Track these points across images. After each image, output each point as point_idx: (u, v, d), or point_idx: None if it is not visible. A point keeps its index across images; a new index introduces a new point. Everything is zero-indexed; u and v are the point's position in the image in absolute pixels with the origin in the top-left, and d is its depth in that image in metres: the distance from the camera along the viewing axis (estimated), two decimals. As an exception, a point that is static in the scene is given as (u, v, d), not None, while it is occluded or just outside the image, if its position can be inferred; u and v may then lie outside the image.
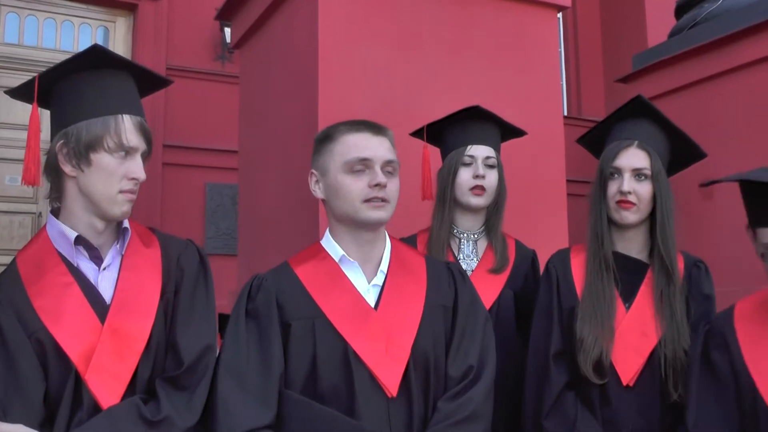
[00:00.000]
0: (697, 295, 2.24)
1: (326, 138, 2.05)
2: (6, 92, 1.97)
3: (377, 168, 1.96)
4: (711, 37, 5.72)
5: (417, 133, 2.70)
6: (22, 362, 1.75)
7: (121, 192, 1.86)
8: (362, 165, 1.96)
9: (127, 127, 1.85)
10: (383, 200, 1.95)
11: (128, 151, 1.85)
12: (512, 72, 3.71)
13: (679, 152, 2.36)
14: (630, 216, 2.22)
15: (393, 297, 1.98)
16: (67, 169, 1.86)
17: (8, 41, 7.49)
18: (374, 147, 1.98)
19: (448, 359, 1.97)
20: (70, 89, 1.87)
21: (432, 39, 3.57)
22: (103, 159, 1.83)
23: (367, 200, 1.95)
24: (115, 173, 1.84)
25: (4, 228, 7.19)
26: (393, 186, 1.99)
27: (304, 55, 3.51)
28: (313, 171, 2.07)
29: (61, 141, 1.85)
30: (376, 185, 1.94)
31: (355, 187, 1.96)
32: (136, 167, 1.86)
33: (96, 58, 1.86)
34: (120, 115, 1.85)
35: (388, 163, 1.98)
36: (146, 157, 1.93)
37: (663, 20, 7.68)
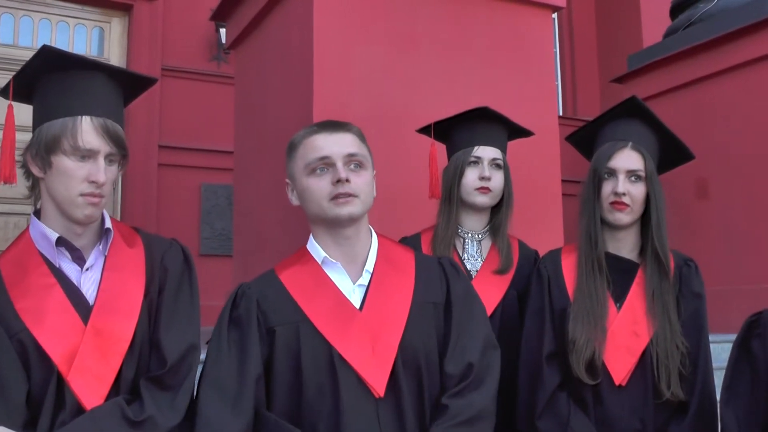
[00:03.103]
0: (688, 294, 2.24)
1: (291, 146, 2.06)
2: None
3: (339, 164, 1.94)
4: (706, 37, 5.74)
5: (424, 131, 2.70)
6: (4, 364, 1.74)
7: (81, 195, 1.82)
8: (323, 164, 1.96)
9: (85, 128, 1.81)
10: (349, 195, 1.93)
11: (87, 154, 1.81)
12: (507, 72, 3.71)
13: (668, 153, 2.36)
14: (624, 217, 2.22)
15: (378, 296, 1.96)
16: (35, 170, 1.85)
17: (3, 42, 7.48)
18: (332, 144, 1.96)
19: (446, 356, 1.94)
20: (39, 90, 1.86)
21: (427, 39, 3.57)
22: (61, 161, 1.81)
23: (333, 198, 1.93)
24: (74, 176, 1.81)
25: (-1, 229, 7.18)
26: (360, 179, 1.96)
27: (299, 55, 3.51)
28: (287, 180, 2.09)
29: (29, 142, 1.84)
30: (338, 181, 1.92)
31: (319, 186, 1.95)
32: (97, 170, 1.81)
33: (48, 58, 1.83)
34: (79, 117, 1.81)
35: (351, 156, 1.97)
36: (119, 158, 1.89)
37: (658, 20, 7.69)
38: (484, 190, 2.52)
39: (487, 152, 2.55)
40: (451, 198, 2.56)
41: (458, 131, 2.62)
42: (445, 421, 1.85)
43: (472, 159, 2.54)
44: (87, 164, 1.82)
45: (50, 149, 1.80)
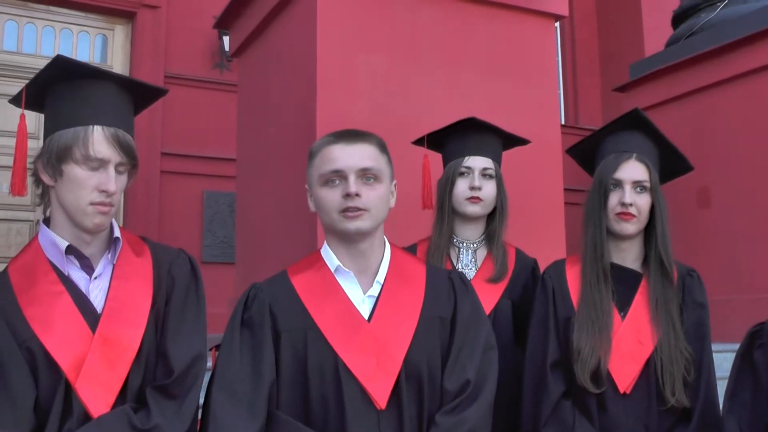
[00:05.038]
0: (690, 303, 2.26)
1: (310, 153, 2.06)
2: (9, 101, 1.97)
3: (351, 178, 1.93)
4: (708, 47, 5.74)
5: (418, 142, 2.71)
6: (13, 371, 1.75)
7: (91, 204, 1.82)
8: (336, 176, 1.95)
9: (96, 138, 1.81)
10: (359, 210, 1.93)
11: (98, 163, 1.82)
12: (510, 81, 3.72)
13: (668, 164, 2.38)
14: (630, 227, 2.24)
15: (387, 308, 1.96)
16: (45, 178, 1.86)
17: (7, 49, 7.49)
18: (347, 157, 1.95)
19: (445, 372, 1.95)
20: (51, 99, 1.87)
21: (430, 48, 3.59)
22: (72, 170, 1.82)
23: (342, 211, 1.93)
24: (85, 185, 1.82)
25: (1, 236, 7.18)
26: (373, 193, 1.96)
27: (302, 63, 3.52)
28: (307, 186, 2.09)
29: (41, 151, 1.86)
30: (347, 195, 1.92)
31: (331, 199, 1.95)
32: (107, 179, 1.82)
33: (61, 67, 1.84)
34: (90, 126, 1.82)
35: (365, 170, 1.96)
36: (129, 168, 1.90)
37: (660, 29, 7.70)
38: (475, 199, 2.53)
39: (477, 162, 2.56)
40: (443, 208, 2.58)
41: (450, 142, 2.65)
42: None
43: (463, 169, 2.55)
44: (98, 173, 1.82)
45: (61, 158, 1.81)
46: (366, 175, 1.96)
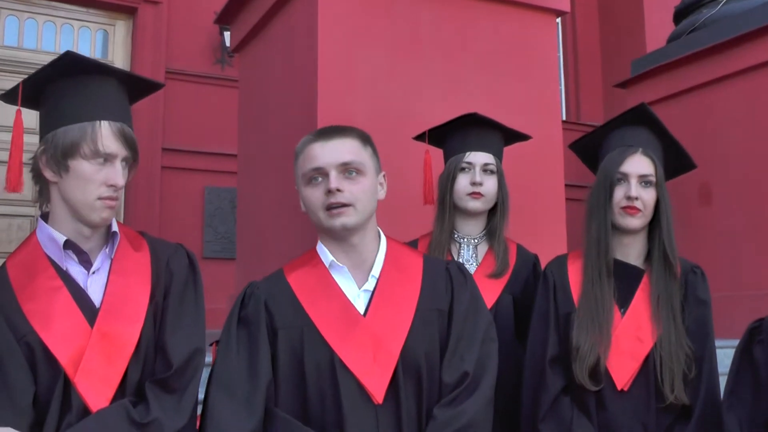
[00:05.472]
0: (693, 300, 2.25)
1: (295, 154, 2.07)
2: (1, 96, 1.97)
3: (332, 174, 1.94)
4: (710, 43, 5.74)
5: (419, 138, 2.71)
6: (12, 366, 1.76)
7: (99, 198, 1.84)
8: (317, 174, 1.96)
9: (104, 133, 1.83)
10: (343, 205, 1.93)
11: (106, 158, 1.84)
12: (511, 77, 3.71)
13: (671, 162, 2.37)
14: (635, 221, 2.23)
15: (383, 302, 1.96)
16: (48, 174, 1.86)
17: (8, 44, 7.49)
18: (325, 154, 1.96)
19: (443, 364, 1.94)
20: (51, 95, 1.87)
21: (431, 45, 3.58)
22: (80, 165, 1.83)
23: (327, 208, 1.94)
24: (93, 180, 1.83)
25: (2, 231, 7.18)
26: (356, 187, 1.96)
27: (303, 58, 3.52)
28: (296, 188, 2.09)
29: (42, 147, 1.86)
30: (329, 192, 1.93)
31: (316, 197, 1.96)
32: (115, 173, 1.84)
33: (70, 64, 1.85)
34: (97, 122, 1.83)
35: (346, 165, 1.96)
36: (132, 163, 1.92)
37: (662, 25, 7.69)
38: (476, 195, 2.53)
39: (478, 158, 2.56)
40: (445, 203, 2.58)
41: (451, 137, 2.64)
42: (436, 430, 1.86)
43: (464, 165, 2.55)
44: (105, 168, 1.84)
45: (68, 154, 1.82)
46: (347, 169, 1.96)
